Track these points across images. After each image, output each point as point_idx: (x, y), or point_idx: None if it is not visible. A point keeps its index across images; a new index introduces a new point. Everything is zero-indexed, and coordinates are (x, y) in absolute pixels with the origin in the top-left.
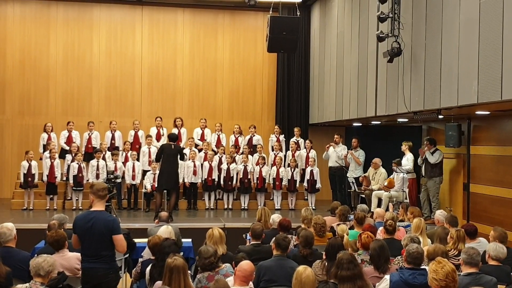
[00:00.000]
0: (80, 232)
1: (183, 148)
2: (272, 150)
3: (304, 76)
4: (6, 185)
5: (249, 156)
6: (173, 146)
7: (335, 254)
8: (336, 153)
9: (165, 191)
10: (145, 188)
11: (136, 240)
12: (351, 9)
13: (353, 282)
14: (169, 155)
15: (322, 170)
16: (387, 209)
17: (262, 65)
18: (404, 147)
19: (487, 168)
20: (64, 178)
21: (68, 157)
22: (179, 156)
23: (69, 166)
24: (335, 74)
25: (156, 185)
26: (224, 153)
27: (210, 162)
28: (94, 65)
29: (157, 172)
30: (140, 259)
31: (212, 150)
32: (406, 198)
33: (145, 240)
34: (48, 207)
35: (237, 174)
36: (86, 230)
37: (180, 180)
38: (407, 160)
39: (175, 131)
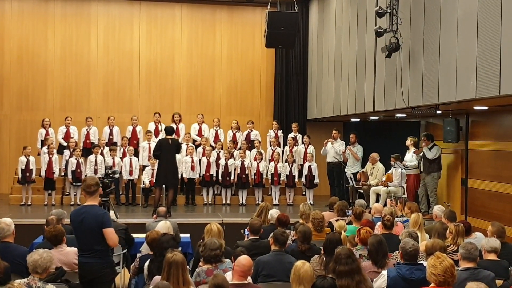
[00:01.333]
0: (74, 227)
1: (181, 143)
2: (270, 146)
3: (302, 72)
4: (4, 181)
5: (247, 152)
6: (170, 140)
7: (333, 249)
8: (334, 148)
9: (164, 186)
10: (143, 184)
11: (134, 235)
12: (349, 4)
13: (351, 277)
14: (168, 151)
15: (320, 166)
16: (385, 204)
17: (260, 61)
18: (409, 142)
19: (485, 163)
20: (62, 174)
21: (66, 152)
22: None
23: (67, 161)
24: (333, 69)
25: (154, 181)
26: (222, 149)
27: (208, 158)
28: (92, 60)
29: (156, 167)
30: (139, 254)
31: (210, 145)
32: (404, 194)
33: (144, 235)
34: (46, 203)
35: (235, 169)
36: (78, 224)
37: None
38: (412, 156)
39: (173, 126)
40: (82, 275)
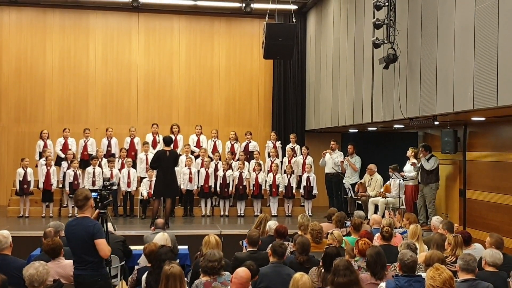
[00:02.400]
0: (67, 239)
1: (180, 155)
2: (269, 157)
3: (300, 83)
4: (2, 193)
5: (245, 163)
6: (168, 152)
7: (332, 263)
8: (332, 159)
9: (162, 198)
10: (141, 195)
11: (132, 247)
12: (347, 16)
13: None
14: (166, 162)
15: (319, 177)
16: (383, 216)
17: (258, 72)
18: (410, 152)
19: (483, 174)
20: (60, 186)
21: (64, 164)
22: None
23: (65, 173)
24: (331, 81)
25: (152, 192)
26: (220, 160)
27: (206, 169)
28: (90, 72)
29: (154, 179)
30: (136, 267)
31: (209, 156)
32: (402, 204)
33: (141, 247)
34: (44, 215)
35: (233, 180)
36: (70, 236)
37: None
38: (411, 167)
39: (171, 136)
40: (77, 287)
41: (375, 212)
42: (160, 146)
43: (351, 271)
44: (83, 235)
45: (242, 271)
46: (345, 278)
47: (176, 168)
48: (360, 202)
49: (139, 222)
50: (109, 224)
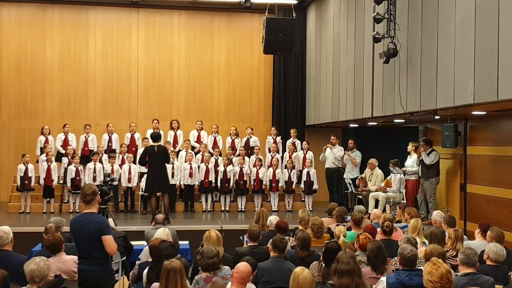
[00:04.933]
0: (73, 234)
1: (173, 151)
2: (269, 152)
3: (300, 78)
4: (3, 189)
5: (246, 158)
6: (156, 148)
7: (332, 259)
8: (333, 154)
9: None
10: (142, 191)
11: (133, 242)
12: (347, 10)
13: (351, 277)
14: (154, 158)
15: (319, 171)
16: (384, 210)
17: (258, 67)
18: (411, 147)
19: (484, 168)
20: (61, 181)
21: (65, 160)
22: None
23: (66, 169)
24: (331, 75)
25: (144, 188)
26: (220, 155)
27: (206, 164)
28: (90, 68)
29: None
30: (137, 262)
31: (209, 152)
32: (403, 199)
33: (142, 242)
34: (45, 210)
35: (233, 176)
36: (77, 232)
37: (177, 183)
38: (413, 161)
39: (171, 133)
40: (82, 282)
41: (376, 206)
42: (161, 142)
43: (354, 262)
44: (91, 231)
45: (243, 266)
46: (348, 266)
47: (176, 164)
48: (360, 197)
49: (140, 218)
50: (110, 220)
